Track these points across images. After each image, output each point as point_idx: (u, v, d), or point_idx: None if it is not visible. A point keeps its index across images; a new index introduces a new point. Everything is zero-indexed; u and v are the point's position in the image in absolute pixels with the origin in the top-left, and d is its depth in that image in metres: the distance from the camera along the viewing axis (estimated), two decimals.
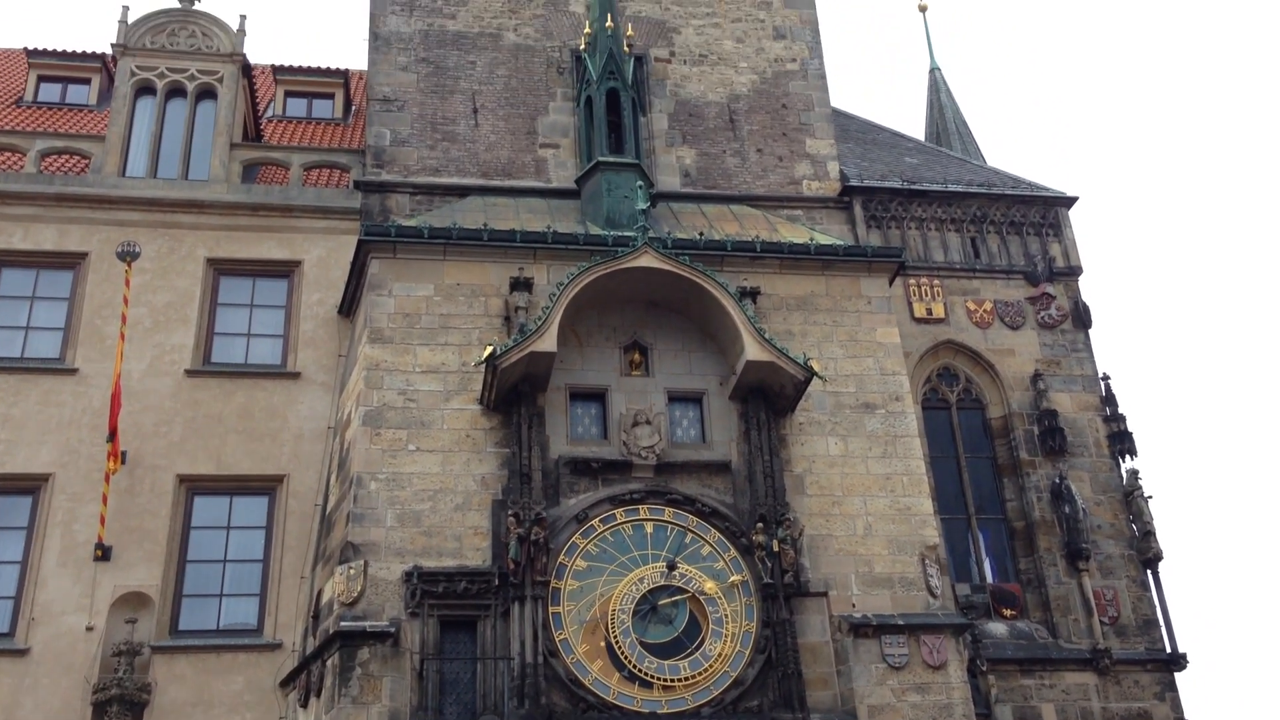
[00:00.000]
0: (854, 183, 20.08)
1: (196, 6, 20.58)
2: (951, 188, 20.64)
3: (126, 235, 17.83)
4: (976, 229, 20.53)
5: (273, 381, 17.57)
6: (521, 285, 16.44)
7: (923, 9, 26.55)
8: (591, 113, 18.74)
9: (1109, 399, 19.26)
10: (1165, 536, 18.38)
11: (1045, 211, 20.82)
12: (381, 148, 19.14)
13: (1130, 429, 18.91)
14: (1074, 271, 20.31)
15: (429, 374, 16.06)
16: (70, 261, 18.01)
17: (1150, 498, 18.41)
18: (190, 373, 17.36)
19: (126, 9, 20.06)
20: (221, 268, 18.36)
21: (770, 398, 16.13)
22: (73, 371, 17.12)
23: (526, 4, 20.74)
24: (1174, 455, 49.53)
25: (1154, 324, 54.28)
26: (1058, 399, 19.08)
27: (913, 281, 19.57)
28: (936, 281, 19.85)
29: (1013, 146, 57.23)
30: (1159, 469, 53.30)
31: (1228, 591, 49.33)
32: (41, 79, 22.56)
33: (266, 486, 16.89)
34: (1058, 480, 18.36)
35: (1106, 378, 19.46)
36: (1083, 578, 17.79)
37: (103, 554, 15.79)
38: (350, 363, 17.05)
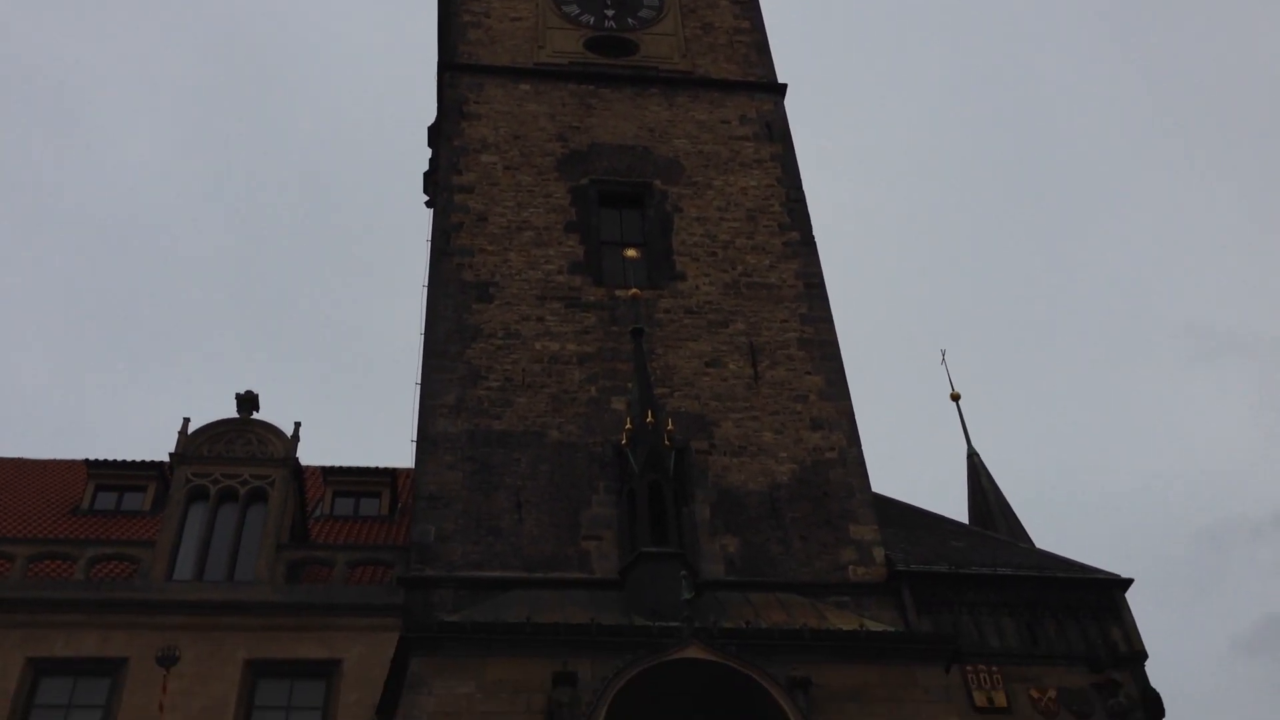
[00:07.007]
0: (901, 567, 19.81)
1: (254, 415, 21.45)
2: (1001, 571, 20.27)
3: (168, 639, 17.67)
4: (1031, 613, 19.93)
5: None
6: (565, 680, 15.89)
7: (955, 398, 27.17)
8: (634, 505, 18.86)
9: None
10: None
11: (1101, 594, 20.30)
12: (426, 544, 19.24)
13: None
14: (1138, 657, 19.50)
15: None
16: (110, 668, 17.79)
17: None
18: None
19: (187, 420, 20.92)
20: (260, 669, 18.05)
21: None
22: None
23: (569, 403, 21.45)
24: None
25: None
26: None
27: (970, 669, 18.77)
28: (995, 669, 19.04)
29: (1059, 526, 56.81)
30: None
31: None
32: (99, 488, 23.30)
33: None
34: None
35: None
36: None
37: None
38: None
